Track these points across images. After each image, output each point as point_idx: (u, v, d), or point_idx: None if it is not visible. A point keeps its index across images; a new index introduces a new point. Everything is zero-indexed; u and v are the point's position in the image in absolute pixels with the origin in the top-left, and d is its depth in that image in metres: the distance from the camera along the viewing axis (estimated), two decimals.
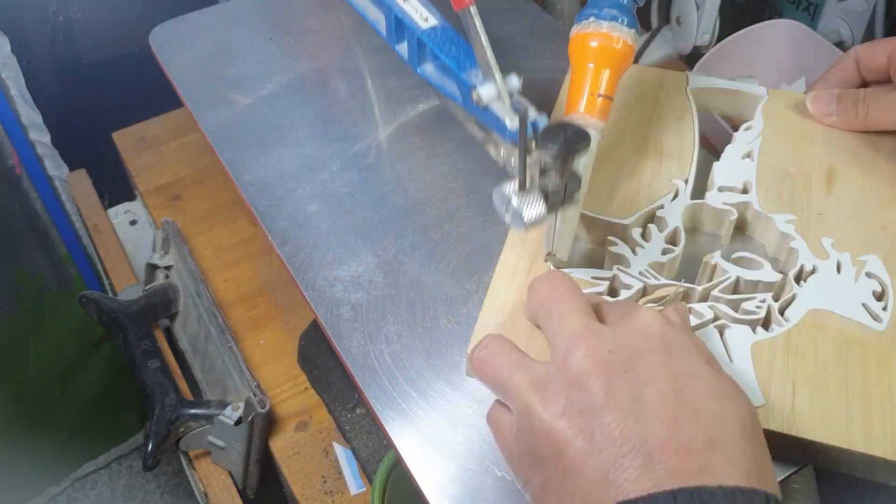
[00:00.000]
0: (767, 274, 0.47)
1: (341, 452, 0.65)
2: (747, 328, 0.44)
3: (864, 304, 0.45)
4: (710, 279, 0.48)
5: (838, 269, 0.47)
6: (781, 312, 0.45)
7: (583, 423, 0.32)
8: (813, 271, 0.47)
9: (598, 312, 0.39)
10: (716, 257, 0.47)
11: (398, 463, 0.55)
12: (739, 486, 0.30)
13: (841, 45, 0.78)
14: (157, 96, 0.81)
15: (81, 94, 1.03)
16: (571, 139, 0.41)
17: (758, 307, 0.45)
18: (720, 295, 0.46)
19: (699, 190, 0.52)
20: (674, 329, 0.35)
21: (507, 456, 0.37)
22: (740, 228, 0.52)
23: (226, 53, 0.67)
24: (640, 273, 0.47)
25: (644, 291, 0.47)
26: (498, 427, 0.38)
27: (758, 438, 0.33)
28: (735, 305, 0.46)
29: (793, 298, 0.46)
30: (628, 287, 0.46)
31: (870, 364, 0.42)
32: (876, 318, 0.44)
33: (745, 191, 0.51)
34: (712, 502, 0.29)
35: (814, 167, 0.52)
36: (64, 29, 0.97)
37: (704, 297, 0.47)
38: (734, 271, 0.47)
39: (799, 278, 0.47)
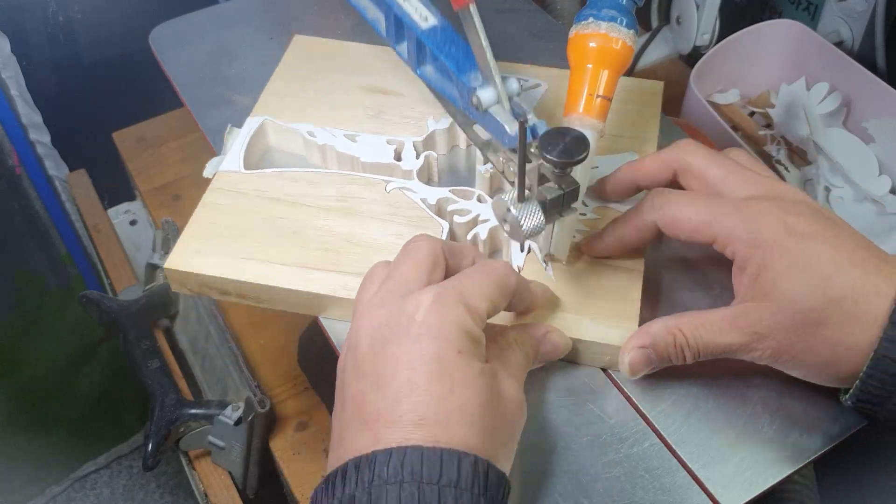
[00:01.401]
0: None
1: None
2: None
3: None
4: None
5: None
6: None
7: (343, 381, 0.39)
8: None
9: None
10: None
11: None
12: (417, 445, 0.34)
13: (841, 45, 0.78)
14: (157, 96, 0.81)
15: (81, 94, 1.03)
16: (570, 148, 0.40)
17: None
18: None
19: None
20: (438, 314, 0.37)
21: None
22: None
23: (226, 53, 0.67)
24: None
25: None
26: None
27: (482, 422, 0.36)
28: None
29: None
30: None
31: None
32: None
33: None
34: (387, 462, 0.34)
35: None
36: (64, 29, 0.97)
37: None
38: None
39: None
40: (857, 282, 0.39)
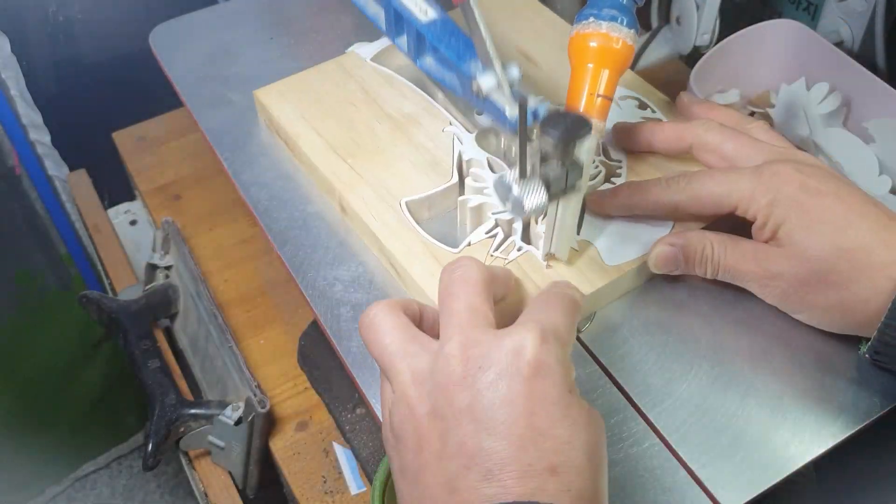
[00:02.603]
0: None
1: (341, 452, 0.65)
2: None
3: None
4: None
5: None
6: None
7: (442, 429, 0.35)
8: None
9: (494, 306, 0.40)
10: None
11: None
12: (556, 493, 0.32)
13: (841, 45, 0.78)
14: (157, 96, 0.81)
15: (81, 94, 1.03)
16: (572, 126, 0.40)
17: None
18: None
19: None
20: (546, 353, 0.36)
21: (383, 421, 0.40)
22: None
23: (226, 53, 0.67)
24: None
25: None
26: (382, 394, 0.41)
27: (601, 462, 0.35)
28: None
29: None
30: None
31: None
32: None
33: None
34: None
35: None
36: (64, 29, 0.97)
37: None
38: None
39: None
40: (868, 235, 0.42)
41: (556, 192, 0.42)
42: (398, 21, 0.53)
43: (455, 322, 0.38)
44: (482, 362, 0.35)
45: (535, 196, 0.41)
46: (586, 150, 0.44)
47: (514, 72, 0.45)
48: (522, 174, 0.42)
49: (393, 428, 0.37)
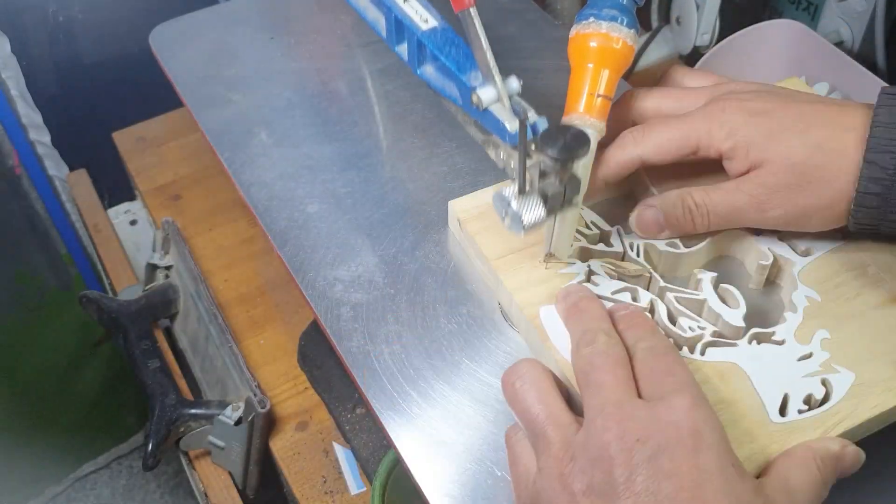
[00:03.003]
0: (734, 317, 0.44)
1: (341, 452, 0.65)
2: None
3: (786, 395, 0.42)
4: (686, 285, 0.47)
5: (799, 359, 0.43)
6: (705, 346, 0.44)
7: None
8: (771, 337, 0.45)
9: (633, 365, 0.39)
10: (705, 277, 0.46)
11: (398, 463, 0.55)
12: None
13: (841, 45, 0.78)
14: (157, 96, 0.81)
15: (81, 94, 1.03)
16: (571, 143, 0.41)
17: (690, 329, 0.44)
18: (672, 298, 0.46)
19: None
20: (705, 421, 0.35)
21: (517, 489, 0.39)
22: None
23: (226, 53, 0.67)
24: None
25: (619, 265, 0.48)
26: (517, 459, 0.40)
27: None
28: (673, 317, 0.45)
29: (726, 344, 0.44)
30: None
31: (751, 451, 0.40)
32: (783, 413, 0.41)
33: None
34: None
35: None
36: (64, 29, 0.97)
37: (658, 292, 0.47)
38: (710, 298, 0.45)
39: (753, 337, 0.45)
40: (828, 126, 0.43)
41: (553, 207, 0.43)
42: (399, 29, 0.53)
43: (605, 395, 0.37)
44: (639, 436, 0.35)
45: (533, 212, 0.42)
46: (583, 165, 0.44)
47: (514, 83, 0.46)
48: (521, 190, 0.42)
49: (535, 497, 0.37)
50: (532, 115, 0.44)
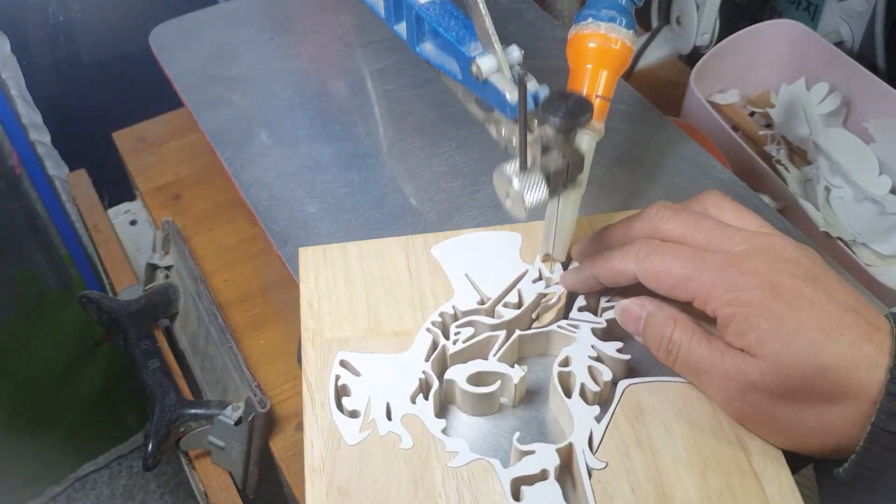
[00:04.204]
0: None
1: None
2: None
3: None
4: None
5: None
6: None
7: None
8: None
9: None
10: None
11: None
12: None
13: (841, 45, 0.78)
14: (157, 96, 0.81)
15: (81, 94, 1.03)
16: (573, 109, 0.38)
17: None
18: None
19: None
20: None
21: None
22: None
23: (226, 53, 0.67)
24: None
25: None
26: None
27: None
28: None
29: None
30: None
31: None
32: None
33: None
34: None
35: None
36: (64, 29, 0.97)
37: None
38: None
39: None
40: (848, 351, 0.37)
41: (556, 185, 0.40)
42: (397, 6, 0.52)
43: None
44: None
45: (535, 191, 0.40)
46: (587, 142, 0.44)
47: (515, 52, 0.43)
48: (522, 166, 0.40)
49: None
50: (533, 84, 0.41)
